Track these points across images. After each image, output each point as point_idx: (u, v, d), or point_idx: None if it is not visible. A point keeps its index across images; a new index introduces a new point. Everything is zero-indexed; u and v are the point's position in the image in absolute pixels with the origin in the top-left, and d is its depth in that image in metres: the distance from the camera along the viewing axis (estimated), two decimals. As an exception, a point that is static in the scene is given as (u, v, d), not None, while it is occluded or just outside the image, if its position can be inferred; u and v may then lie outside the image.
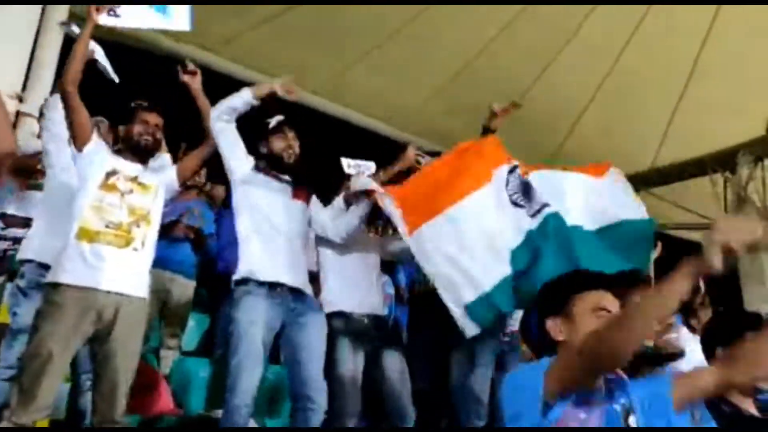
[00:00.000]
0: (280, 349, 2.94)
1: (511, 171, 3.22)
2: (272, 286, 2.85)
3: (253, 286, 2.83)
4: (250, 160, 3.06)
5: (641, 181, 10.56)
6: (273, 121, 3.16)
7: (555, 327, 1.60)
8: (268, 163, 3.10)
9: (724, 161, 9.76)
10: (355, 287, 3.17)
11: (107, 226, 2.67)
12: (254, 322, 2.76)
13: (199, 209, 4.42)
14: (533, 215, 3.04)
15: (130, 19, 2.90)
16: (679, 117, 9.10)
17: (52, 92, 3.53)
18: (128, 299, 2.66)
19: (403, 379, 3.16)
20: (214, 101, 3.07)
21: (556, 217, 3.02)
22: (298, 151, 3.15)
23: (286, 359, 2.95)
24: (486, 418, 3.28)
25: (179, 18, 3.00)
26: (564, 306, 1.62)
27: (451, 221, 3.04)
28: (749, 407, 2.16)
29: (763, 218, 9.56)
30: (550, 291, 1.73)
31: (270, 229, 2.94)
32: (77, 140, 2.79)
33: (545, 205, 3.06)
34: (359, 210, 3.15)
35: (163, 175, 2.94)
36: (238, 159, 3.03)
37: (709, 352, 2.27)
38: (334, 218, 3.18)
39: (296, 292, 2.91)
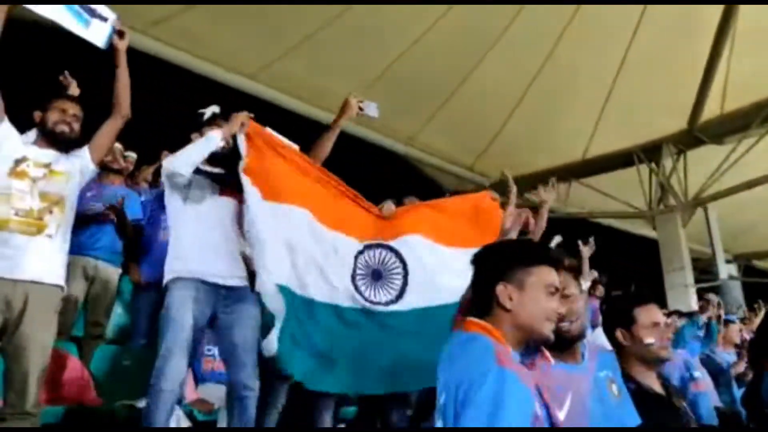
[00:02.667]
0: (216, 340, 2.93)
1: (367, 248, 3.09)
2: (204, 282, 2.84)
3: (184, 281, 2.81)
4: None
5: (572, 172, 10.98)
6: (208, 112, 3.09)
7: (505, 293, 1.59)
8: None
9: (649, 153, 10.23)
10: None
11: (16, 214, 2.54)
12: (184, 310, 2.74)
13: (123, 196, 4.28)
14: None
15: (51, 11, 2.77)
16: (608, 111, 9.44)
17: None
18: (39, 287, 2.55)
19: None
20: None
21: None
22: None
23: (221, 350, 2.96)
24: None
25: (98, 34, 2.89)
26: (517, 274, 1.61)
27: (309, 225, 2.97)
28: (653, 384, 2.26)
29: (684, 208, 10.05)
30: (503, 256, 1.70)
31: (200, 232, 2.90)
32: None
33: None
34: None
35: (76, 158, 2.82)
36: (181, 186, 2.93)
37: (612, 341, 2.35)
38: None
39: (229, 287, 2.90)
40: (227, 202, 3.03)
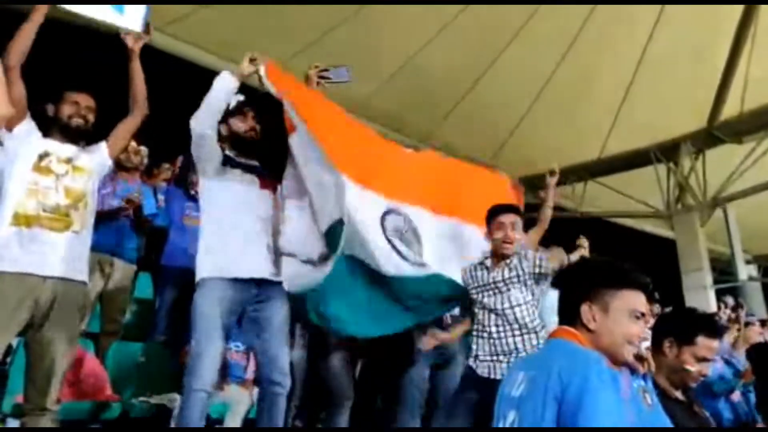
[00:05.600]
0: (244, 333, 2.92)
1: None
2: (236, 279, 2.81)
3: (215, 279, 2.79)
4: (219, 154, 2.95)
5: (589, 171, 10.88)
6: (233, 102, 3.02)
7: (589, 314, 1.60)
8: (231, 146, 3.02)
9: (667, 152, 10.11)
10: None
11: (44, 210, 2.56)
12: (214, 305, 2.73)
13: (140, 190, 4.28)
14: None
15: (88, 9, 2.78)
16: (625, 109, 9.33)
17: None
18: (67, 284, 2.56)
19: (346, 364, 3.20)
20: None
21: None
22: (259, 129, 3.06)
23: (250, 346, 2.97)
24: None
25: (133, 18, 2.90)
26: (603, 296, 1.62)
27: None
28: (674, 390, 2.24)
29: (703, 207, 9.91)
30: (590, 275, 1.70)
31: (237, 223, 2.87)
32: (9, 119, 2.64)
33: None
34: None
35: (95, 153, 2.83)
36: (211, 159, 2.91)
37: (656, 344, 2.31)
38: None
39: (260, 282, 2.87)
40: (265, 195, 3.03)
